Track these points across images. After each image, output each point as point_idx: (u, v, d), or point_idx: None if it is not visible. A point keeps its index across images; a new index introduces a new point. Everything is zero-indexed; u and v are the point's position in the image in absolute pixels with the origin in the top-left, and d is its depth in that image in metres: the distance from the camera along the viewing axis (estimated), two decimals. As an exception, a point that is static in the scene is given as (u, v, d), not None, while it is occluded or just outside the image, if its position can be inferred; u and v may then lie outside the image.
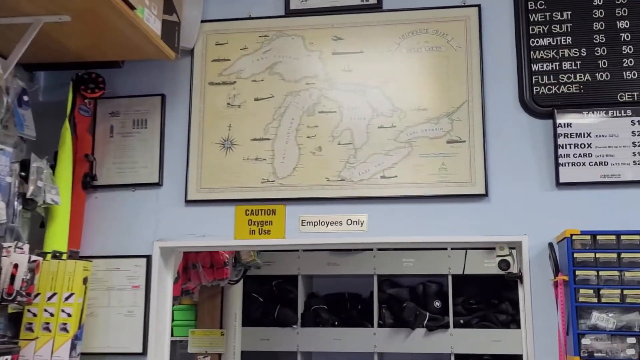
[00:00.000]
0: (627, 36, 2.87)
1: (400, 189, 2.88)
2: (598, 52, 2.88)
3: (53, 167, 2.84)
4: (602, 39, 2.89)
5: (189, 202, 3.00)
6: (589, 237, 2.57)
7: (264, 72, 3.07)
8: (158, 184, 3.03)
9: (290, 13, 3.12)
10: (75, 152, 2.95)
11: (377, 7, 3.07)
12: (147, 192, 3.04)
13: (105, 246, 3.00)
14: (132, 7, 2.46)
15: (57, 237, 2.77)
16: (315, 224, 2.93)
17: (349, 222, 2.91)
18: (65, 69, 3.02)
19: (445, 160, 2.88)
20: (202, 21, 3.13)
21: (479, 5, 2.99)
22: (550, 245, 2.70)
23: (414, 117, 2.93)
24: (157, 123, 3.08)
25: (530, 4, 2.97)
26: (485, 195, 2.83)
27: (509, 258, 2.84)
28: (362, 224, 2.90)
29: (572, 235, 2.57)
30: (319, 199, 2.93)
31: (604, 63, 2.87)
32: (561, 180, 2.79)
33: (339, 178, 2.93)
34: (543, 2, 2.97)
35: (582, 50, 2.90)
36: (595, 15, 2.91)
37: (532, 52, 2.93)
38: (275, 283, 5.84)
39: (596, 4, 2.92)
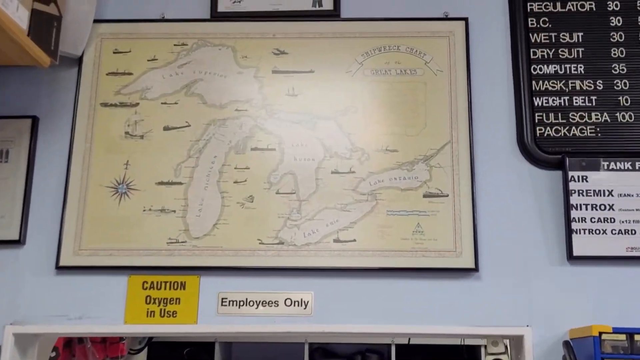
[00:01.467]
0: (655, 67, 2.22)
1: (360, 259, 2.10)
2: (618, 86, 2.22)
3: None
4: (622, 69, 2.23)
5: (62, 269, 2.12)
6: (624, 336, 1.85)
7: (178, 93, 2.26)
8: (18, 242, 2.14)
9: (217, 16, 2.34)
10: None
11: (334, 15, 2.33)
12: (1, 253, 2.15)
13: None
14: (-25, -22, 1.62)
15: None
16: (241, 303, 2.10)
17: (288, 302, 2.10)
18: None
19: (422, 220, 2.13)
20: (97, 20, 2.30)
21: (466, 19, 2.29)
22: (567, 344, 1.96)
23: (379, 161, 2.18)
24: (23, 156, 2.21)
25: (531, 20, 2.29)
26: (475, 269, 2.08)
27: (504, 358, 2.08)
28: (305, 305, 2.10)
29: (601, 333, 1.85)
30: (247, 269, 2.12)
31: (626, 100, 2.21)
32: (575, 253, 2.08)
33: (276, 240, 2.13)
34: (547, 20, 2.29)
35: (597, 82, 2.23)
36: (614, 38, 2.26)
37: (534, 82, 2.24)
38: (187, 351, 4.96)
39: (614, 24, 2.27)
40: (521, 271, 2.10)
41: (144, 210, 2.17)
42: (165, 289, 2.12)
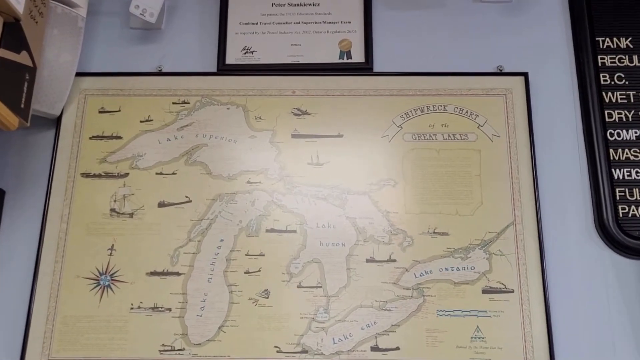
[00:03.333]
0: None
1: (405, 372, 1.66)
2: None
3: None
4: None
5: (25, 385, 1.67)
6: None
7: (177, 161, 1.85)
8: (-28, 349, 1.69)
9: (226, 69, 1.95)
10: None
11: (366, 69, 1.94)
12: (-49, 362, 1.70)
13: None
14: None
15: None
16: None
17: None
18: None
19: (482, 323, 1.69)
20: (79, 73, 1.90)
21: (525, 74, 1.90)
22: None
23: (426, 247, 1.75)
24: (-15, 238, 1.77)
25: (604, 76, 1.91)
26: (552, 387, 1.63)
27: None
28: None
29: None
30: (261, 384, 1.66)
31: None
32: (678, 366, 1.63)
33: (298, 348, 1.68)
34: (623, 76, 1.91)
35: (689, 151, 1.83)
36: None
37: (611, 150, 1.84)
38: None
39: None
40: (610, 389, 1.65)
41: (132, 309, 1.72)
42: (156, 410, 1.66)
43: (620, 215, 1.78)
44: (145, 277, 1.75)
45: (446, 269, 1.74)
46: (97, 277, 1.75)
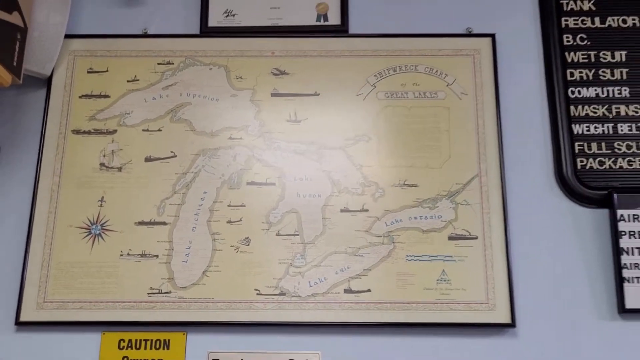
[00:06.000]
0: None
1: (375, 312, 1.78)
2: (670, 111, 1.94)
3: None
4: (673, 92, 1.95)
5: (22, 325, 1.79)
6: (698, 409, 1.54)
7: (162, 118, 1.96)
8: (-28, 293, 1.81)
9: (208, 32, 2.05)
10: None
11: (341, 31, 2.04)
12: (-48, 305, 1.82)
13: None
14: None
15: None
16: (236, 366, 1.77)
17: (292, 364, 1.78)
18: None
19: (448, 267, 1.82)
20: (69, 35, 1.99)
21: (492, 35, 2.01)
22: (625, 416, 1.65)
23: (397, 198, 1.87)
24: (-19, 191, 1.89)
25: (567, 37, 2.01)
26: (511, 325, 1.77)
27: None
28: (312, 368, 1.77)
29: (671, 405, 1.53)
30: (242, 324, 1.79)
31: (679, 127, 1.93)
32: (628, 306, 1.77)
33: (277, 291, 1.81)
34: (585, 37, 2.01)
35: (645, 108, 1.95)
36: (663, 57, 1.98)
37: (572, 107, 1.95)
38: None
39: (662, 41, 1.99)
40: (565, 327, 1.79)
41: (121, 255, 1.84)
42: (145, 348, 1.79)
43: (579, 167, 1.90)
44: (134, 227, 1.86)
45: (415, 218, 1.86)
46: (89, 226, 1.86)
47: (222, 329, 1.80)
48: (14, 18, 1.73)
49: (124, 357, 1.78)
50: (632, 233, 1.82)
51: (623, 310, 1.77)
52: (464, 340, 1.78)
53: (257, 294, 1.81)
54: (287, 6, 2.07)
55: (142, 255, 1.84)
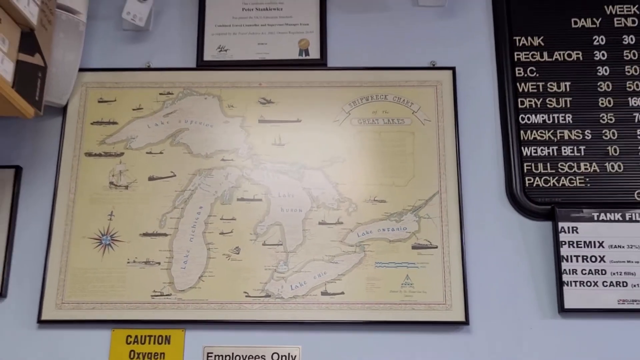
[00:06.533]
0: (642, 117, 2.22)
1: (348, 312, 2.06)
2: (607, 136, 2.21)
3: None
4: (610, 119, 2.23)
5: (43, 323, 2.07)
6: (617, 393, 1.82)
7: (164, 142, 2.24)
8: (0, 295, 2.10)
9: (203, 65, 2.33)
10: None
11: (320, 64, 2.32)
12: (-18, 306, 2.10)
13: None
14: (-44, 33, 1.60)
15: None
16: (227, 358, 2.05)
17: (276, 356, 2.06)
18: None
19: (411, 272, 2.10)
20: (82, 69, 2.28)
21: (453, 68, 2.29)
22: (559, 400, 1.93)
23: (367, 212, 2.15)
24: (6, 207, 2.17)
25: (519, 70, 2.29)
26: (466, 323, 2.05)
27: (496, 413, 2.04)
28: (293, 360, 2.05)
29: (594, 390, 1.81)
30: (233, 322, 2.07)
31: (615, 150, 2.20)
32: (566, 306, 2.05)
33: (263, 293, 2.09)
34: (534, 69, 2.29)
35: (586, 132, 2.22)
36: (601, 88, 2.26)
37: (522, 132, 2.23)
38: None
39: (601, 74, 2.27)
40: (512, 324, 2.07)
41: (128, 262, 2.12)
42: (149, 343, 2.07)
43: (527, 185, 2.18)
44: (139, 237, 2.15)
45: (383, 230, 2.14)
46: (100, 237, 2.15)
47: (215, 326, 2.08)
48: (35, 59, 2.01)
49: (131, 350, 2.06)
50: (571, 243, 2.10)
51: (562, 310, 2.05)
52: (424, 336, 2.06)
53: (246, 296, 2.09)
54: (273, 42, 2.35)
55: (146, 262, 2.12)
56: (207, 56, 2.34)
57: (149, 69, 2.33)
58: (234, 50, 2.34)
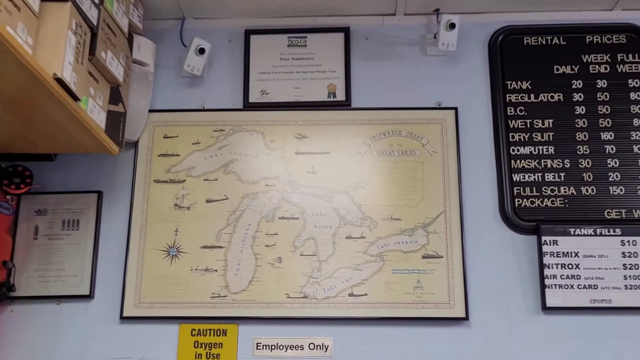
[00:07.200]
0: (612, 148, 2.69)
1: (371, 310, 2.55)
2: (582, 164, 2.69)
3: (-38, 275, 2.38)
4: (586, 150, 2.70)
5: (124, 319, 2.57)
6: (585, 373, 2.29)
7: (218, 171, 2.73)
8: (89, 297, 2.59)
9: (249, 106, 2.82)
10: (-9, 258, 2.50)
11: (346, 105, 2.80)
12: (74, 305, 2.60)
13: (21, 371, 2.52)
14: (76, 98, 2.10)
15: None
16: (273, 347, 2.54)
17: (312, 346, 2.54)
18: (-15, 159, 2.60)
19: (421, 277, 2.58)
20: (150, 110, 2.77)
21: (455, 108, 2.77)
22: (540, 380, 2.41)
23: (385, 228, 2.64)
24: (92, 224, 2.67)
25: (510, 109, 2.77)
26: (466, 318, 2.53)
27: (491, 391, 2.53)
28: (326, 349, 2.54)
29: (567, 371, 2.29)
30: (277, 318, 2.56)
31: (589, 176, 2.67)
32: (548, 305, 2.52)
33: (301, 295, 2.58)
34: (523, 108, 2.77)
35: (565, 162, 2.70)
36: (578, 124, 2.73)
37: (513, 161, 2.71)
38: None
39: (579, 112, 2.75)
40: (504, 319, 2.54)
41: (191, 270, 2.62)
42: (210, 335, 2.56)
43: (516, 206, 2.65)
44: (199, 249, 2.64)
45: (399, 243, 2.62)
46: (168, 249, 2.64)
47: (263, 322, 2.56)
48: (119, 107, 2.51)
49: (195, 341, 2.55)
50: (552, 253, 2.57)
51: (545, 308, 2.52)
52: (432, 329, 2.54)
53: (287, 297, 2.58)
54: (306, 87, 2.83)
55: (206, 270, 2.61)
56: (252, 98, 2.83)
57: (204, 109, 2.82)
58: (274, 94, 2.83)
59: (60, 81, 2.01)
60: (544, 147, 2.72)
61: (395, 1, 2.82)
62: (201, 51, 2.75)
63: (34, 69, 1.90)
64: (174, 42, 2.89)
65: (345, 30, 2.88)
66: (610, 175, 2.66)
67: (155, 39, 2.80)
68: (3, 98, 2.07)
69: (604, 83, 2.78)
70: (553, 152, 2.71)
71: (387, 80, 2.84)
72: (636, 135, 2.70)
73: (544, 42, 2.83)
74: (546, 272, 2.55)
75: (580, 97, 2.77)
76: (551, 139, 2.73)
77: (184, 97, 2.85)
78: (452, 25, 2.71)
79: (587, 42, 2.83)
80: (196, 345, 2.55)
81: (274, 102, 2.82)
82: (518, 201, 2.66)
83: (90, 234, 2.65)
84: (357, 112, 2.79)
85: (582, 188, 2.66)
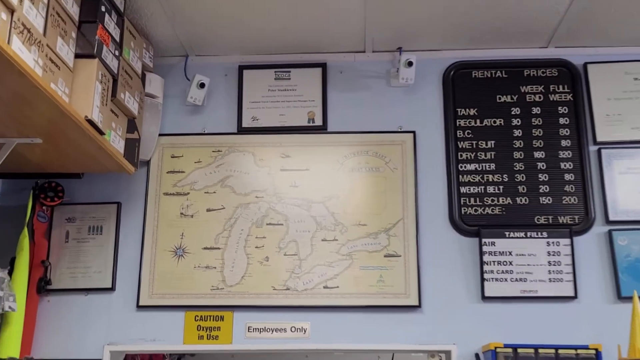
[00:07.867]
0: (543, 165, 3.24)
1: (342, 299, 3.11)
2: (518, 179, 3.24)
3: (10, 272, 2.94)
4: (521, 167, 3.25)
5: (140, 307, 3.14)
6: (510, 350, 2.85)
7: (216, 185, 3.29)
8: (111, 289, 3.16)
9: (242, 131, 3.37)
10: (32, 258, 3.06)
11: (323, 129, 3.35)
12: (99, 296, 3.17)
13: (57, 350, 3.09)
14: (102, 133, 2.66)
15: (11, 343, 2.85)
16: (261, 330, 3.11)
17: (293, 329, 3.11)
18: (25, 178, 3.15)
19: (383, 272, 3.14)
20: (160, 134, 3.33)
21: (414, 132, 3.32)
22: (477, 355, 2.97)
23: (354, 232, 3.19)
24: (112, 230, 3.23)
25: (459, 132, 3.32)
26: (419, 306, 3.09)
27: (439, 365, 3.09)
28: (305, 331, 3.10)
29: (496, 348, 2.85)
30: (265, 307, 3.12)
31: (523, 188, 3.22)
32: (486, 295, 3.08)
33: (284, 287, 3.14)
34: (470, 132, 3.32)
35: (504, 176, 3.25)
36: (516, 145, 3.28)
37: (460, 176, 3.26)
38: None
39: (516, 135, 3.29)
40: (450, 307, 3.10)
41: (195, 267, 3.18)
42: (210, 320, 3.13)
43: (463, 213, 3.21)
44: (201, 250, 3.20)
45: (365, 244, 3.18)
46: (175, 250, 3.21)
47: (253, 309, 3.12)
48: (134, 135, 3.07)
49: (198, 325, 3.12)
50: (490, 252, 3.13)
51: (484, 297, 3.08)
52: (392, 315, 3.10)
53: (273, 289, 3.14)
54: (290, 114, 3.38)
55: (207, 267, 3.18)
56: (244, 124, 3.38)
57: (204, 133, 3.38)
58: (263, 120, 3.38)
59: (90, 121, 2.57)
60: (487, 164, 3.27)
61: (364, 40, 3.37)
62: (202, 85, 3.31)
63: (70, 114, 2.47)
64: (179, 76, 3.44)
65: (323, 66, 3.43)
66: (541, 188, 3.22)
67: (163, 74, 3.36)
68: (45, 133, 2.63)
69: (538, 110, 3.32)
70: (494, 168, 3.26)
71: (358, 108, 3.39)
72: (563, 154, 3.25)
73: (488, 75, 3.38)
74: (485, 267, 3.10)
75: (518, 122, 3.31)
76: (493, 157, 3.28)
77: (187, 123, 3.40)
78: (409, 63, 3.26)
79: (525, 75, 3.37)
80: (199, 329, 3.12)
81: (263, 126, 3.37)
82: (464, 209, 3.22)
83: (112, 238, 3.22)
84: (332, 135, 3.34)
85: (517, 198, 3.21)
